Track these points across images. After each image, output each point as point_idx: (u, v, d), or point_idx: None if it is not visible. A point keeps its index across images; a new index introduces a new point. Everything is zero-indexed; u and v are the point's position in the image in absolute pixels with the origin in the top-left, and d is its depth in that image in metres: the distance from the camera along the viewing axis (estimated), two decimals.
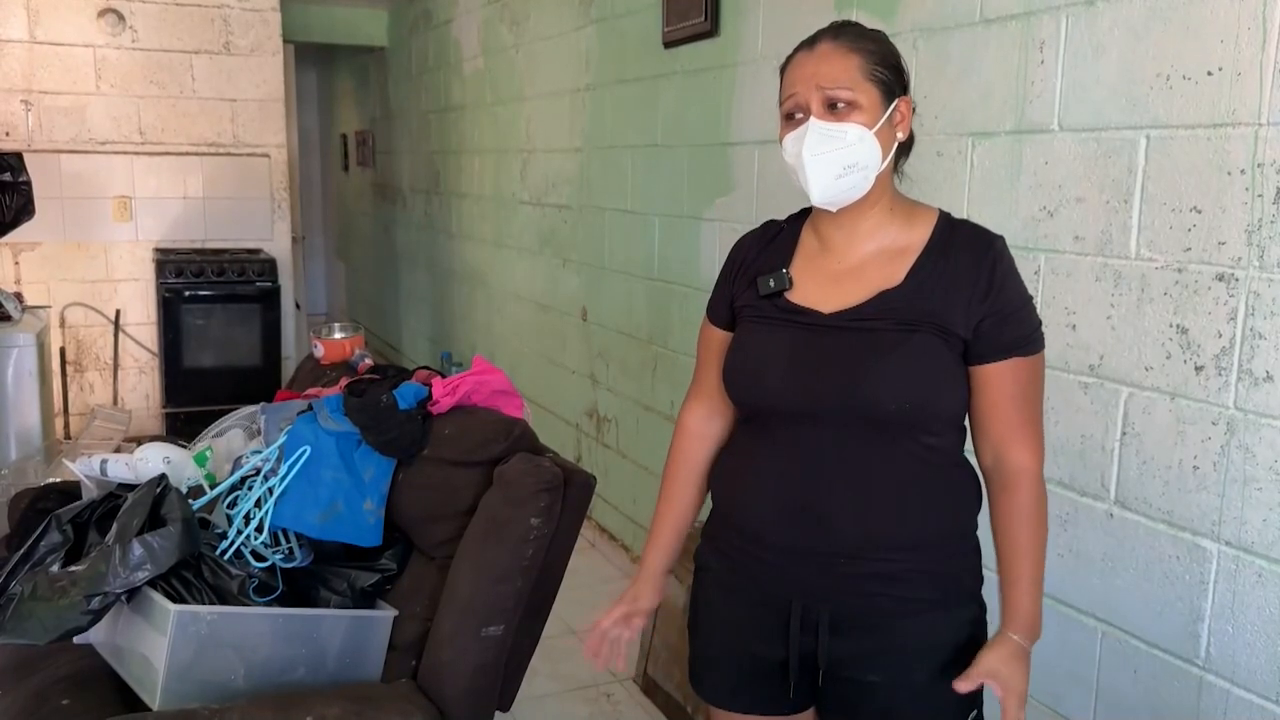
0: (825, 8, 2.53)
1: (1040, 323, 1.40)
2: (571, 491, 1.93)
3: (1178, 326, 1.73)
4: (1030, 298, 1.40)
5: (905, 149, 1.44)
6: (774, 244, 1.51)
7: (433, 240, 6.21)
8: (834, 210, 1.40)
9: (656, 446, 3.52)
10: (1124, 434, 1.84)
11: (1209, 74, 1.65)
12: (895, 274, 1.38)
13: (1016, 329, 1.36)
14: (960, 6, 2.14)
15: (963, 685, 1.33)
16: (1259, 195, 1.59)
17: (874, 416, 1.35)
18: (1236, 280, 1.63)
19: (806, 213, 1.51)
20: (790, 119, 1.39)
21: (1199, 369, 1.70)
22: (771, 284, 1.44)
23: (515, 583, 1.85)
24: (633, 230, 3.65)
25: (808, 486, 1.38)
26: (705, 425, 1.59)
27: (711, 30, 3.04)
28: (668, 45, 3.30)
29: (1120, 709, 1.86)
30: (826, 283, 1.42)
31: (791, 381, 1.38)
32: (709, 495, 1.59)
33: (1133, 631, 1.84)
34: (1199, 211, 1.68)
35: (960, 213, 2.12)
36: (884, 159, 1.37)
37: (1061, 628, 1.98)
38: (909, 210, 1.44)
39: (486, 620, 1.83)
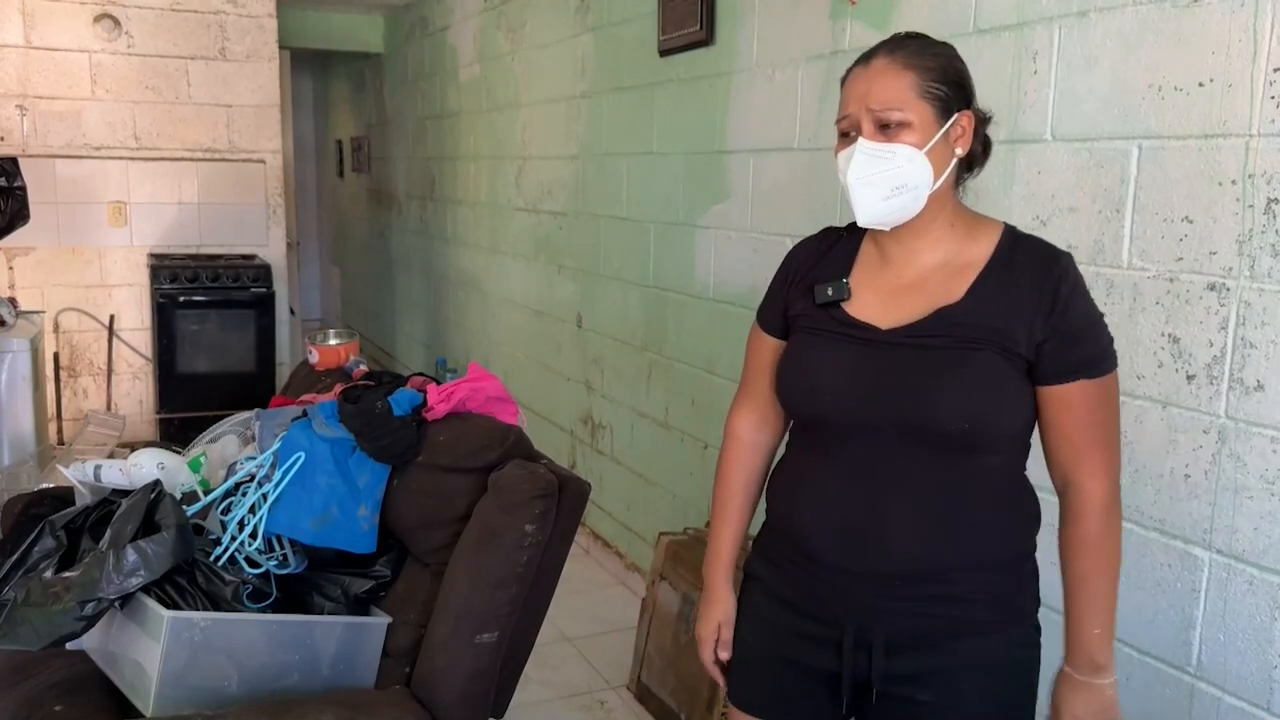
0: (821, 17, 2.54)
1: (1111, 340, 1.34)
2: (566, 498, 1.93)
3: (1169, 335, 1.74)
4: (1100, 315, 1.35)
5: (975, 161, 1.41)
6: (832, 252, 1.47)
7: (428, 246, 6.22)
8: (887, 229, 1.37)
9: (651, 453, 3.52)
10: None
11: (1200, 85, 1.67)
12: (955, 290, 1.34)
13: (1082, 350, 1.31)
14: (954, 17, 2.15)
15: None
16: (1250, 206, 1.60)
17: (933, 436, 1.31)
18: (1228, 290, 1.64)
19: None
20: (844, 137, 1.36)
21: (1190, 378, 1.71)
22: (830, 293, 1.40)
23: (510, 589, 1.85)
24: (628, 237, 3.66)
25: (865, 506, 1.35)
26: (757, 434, 1.57)
27: (707, 39, 3.05)
28: (663, 53, 3.31)
29: None
30: (885, 297, 1.38)
31: (849, 398, 1.35)
32: (761, 506, 1.58)
33: (1124, 639, 1.84)
34: (1190, 221, 1.69)
35: None
36: (937, 177, 1.33)
37: (1053, 635, 1.98)
38: (972, 224, 1.40)
39: (481, 627, 1.83)
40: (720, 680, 1.58)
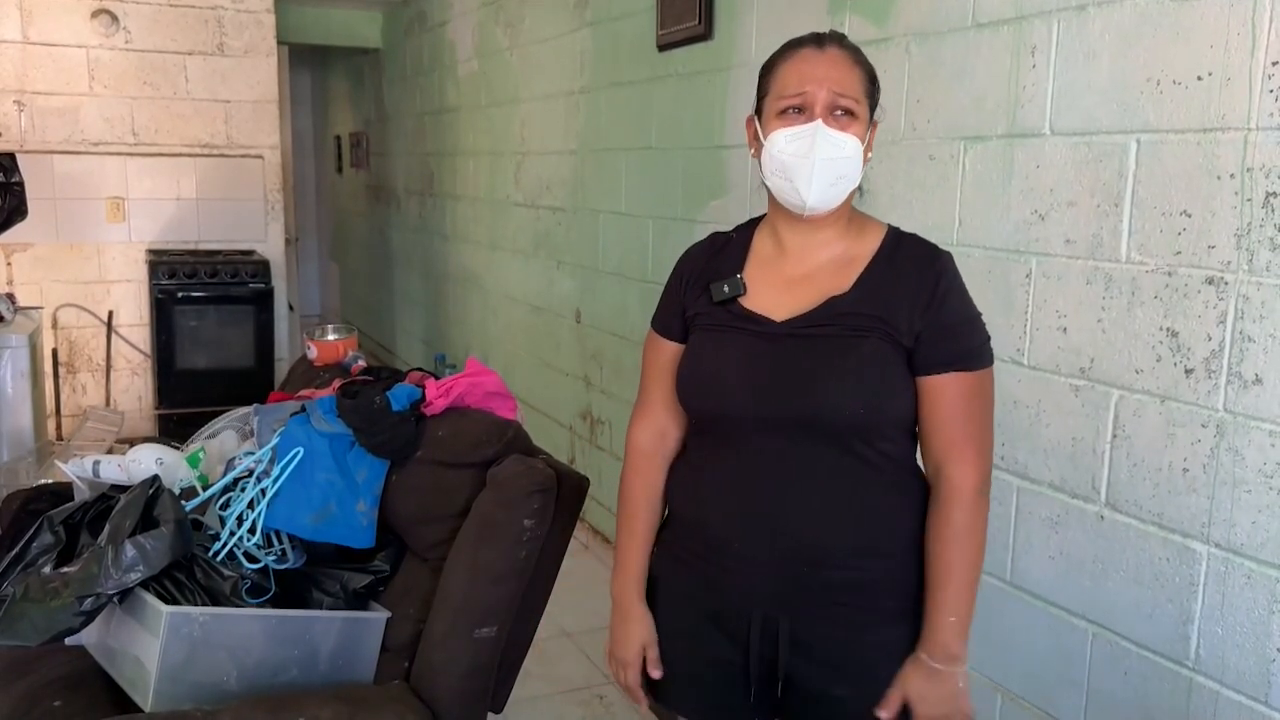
0: (819, 12, 2.54)
1: (987, 339, 1.39)
2: (564, 493, 1.93)
3: (1168, 330, 1.74)
4: (977, 315, 1.39)
5: None
6: (723, 252, 1.51)
7: (427, 242, 6.21)
8: (806, 215, 1.39)
9: None
10: (1114, 436, 1.85)
11: (1199, 79, 1.66)
12: (844, 281, 1.39)
13: (957, 343, 1.36)
14: (953, 11, 2.15)
15: (883, 713, 1.36)
16: (1248, 199, 1.60)
17: (828, 423, 1.34)
18: (1226, 284, 1.64)
19: (754, 222, 1.52)
20: (784, 114, 1.36)
21: (1189, 372, 1.71)
22: (726, 289, 1.43)
23: (508, 584, 1.85)
24: (627, 233, 3.66)
25: (767, 495, 1.38)
26: (659, 444, 1.55)
27: (705, 33, 3.05)
28: (662, 48, 3.31)
29: (1111, 710, 1.87)
30: (779, 289, 1.42)
31: (747, 389, 1.38)
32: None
33: (1123, 633, 1.84)
34: (1189, 215, 1.69)
35: (952, 216, 2.14)
36: (860, 176, 1.39)
37: (1052, 630, 1.98)
38: (861, 223, 1.45)
39: (479, 622, 1.83)
40: (642, 701, 1.56)
